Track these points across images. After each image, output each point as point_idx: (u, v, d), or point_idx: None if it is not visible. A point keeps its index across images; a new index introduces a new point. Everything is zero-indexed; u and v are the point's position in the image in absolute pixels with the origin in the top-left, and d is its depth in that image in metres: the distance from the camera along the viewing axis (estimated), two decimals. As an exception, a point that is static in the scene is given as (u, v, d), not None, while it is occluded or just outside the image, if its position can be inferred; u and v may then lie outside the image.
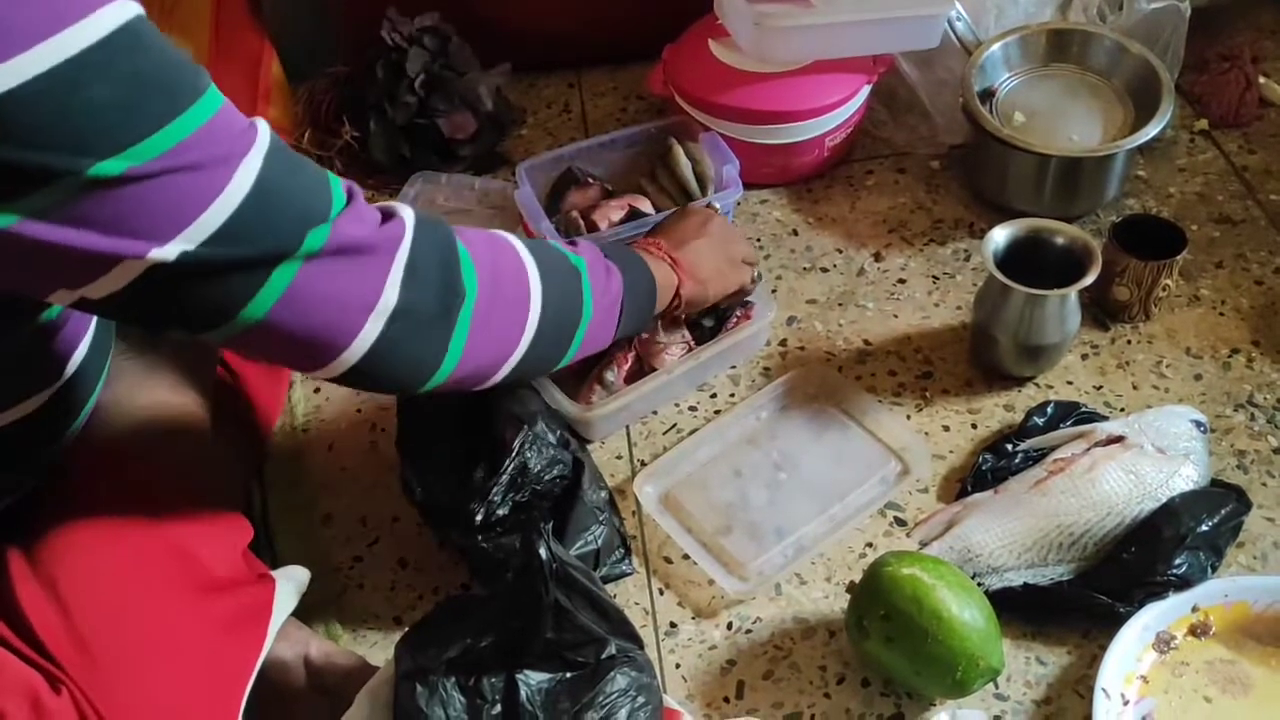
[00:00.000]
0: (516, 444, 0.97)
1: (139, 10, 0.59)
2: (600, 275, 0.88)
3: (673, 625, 1.00)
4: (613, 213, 1.28)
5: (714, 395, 1.19)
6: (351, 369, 0.70)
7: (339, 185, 0.69)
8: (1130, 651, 0.91)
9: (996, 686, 0.93)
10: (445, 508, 0.98)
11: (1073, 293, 1.09)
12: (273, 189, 0.63)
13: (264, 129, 0.65)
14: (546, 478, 0.98)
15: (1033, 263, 1.11)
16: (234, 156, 0.61)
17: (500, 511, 0.96)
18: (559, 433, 1.01)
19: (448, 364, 0.74)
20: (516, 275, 0.79)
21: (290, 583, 0.86)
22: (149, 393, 0.86)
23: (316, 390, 1.22)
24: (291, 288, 0.64)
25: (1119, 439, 1.04)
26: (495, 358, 0.79)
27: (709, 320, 1.18)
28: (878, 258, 1.32)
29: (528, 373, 0.84)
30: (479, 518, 0.95)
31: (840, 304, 1.27)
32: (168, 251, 0.59)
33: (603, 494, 1.03)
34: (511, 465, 0.96)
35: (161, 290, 0.61)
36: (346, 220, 0.67)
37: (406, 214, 0.72)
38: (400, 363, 0.71)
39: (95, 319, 0.79)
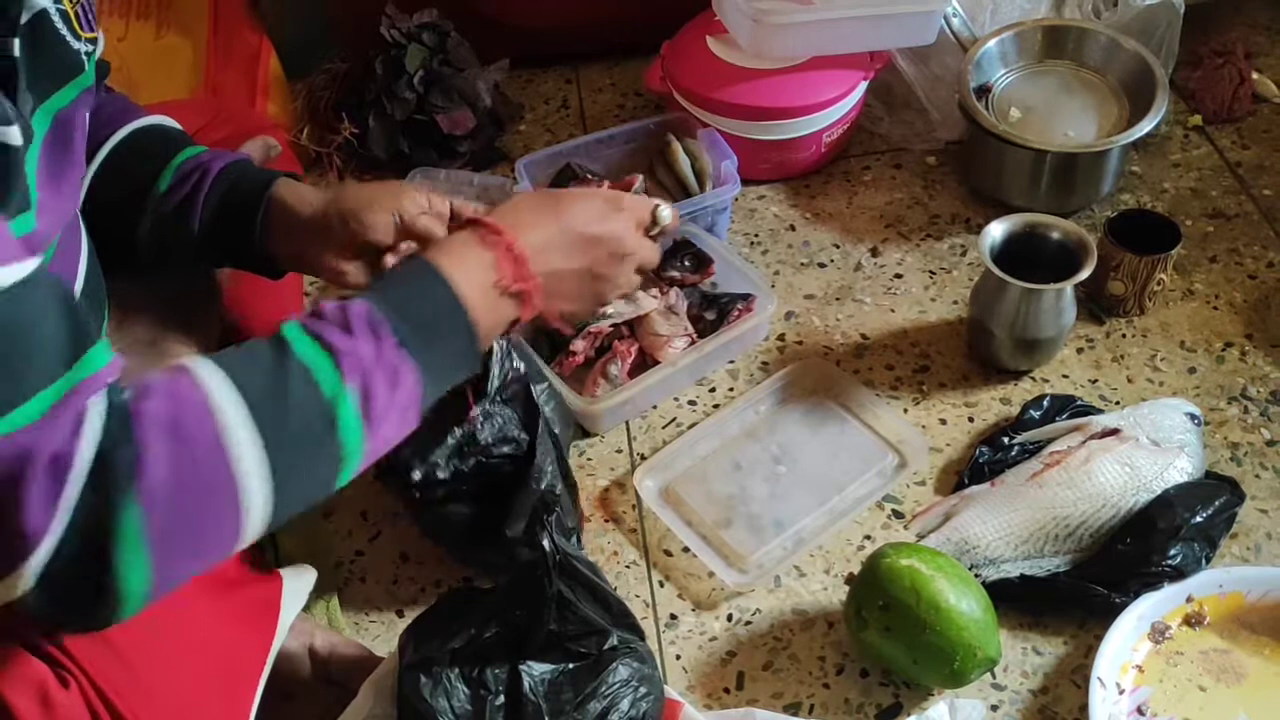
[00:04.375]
0: (473, 413, 0.94)
1: None
2: (380, 394, 0.65)
3: (673, 617, 1.00)
4: (611, 208, 1.28)
5: (713, 389, 1.19)
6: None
7: (55, 393, 0.54)
8: (1126, 641, 0.92)
9: (994, 676, 0.94)
10: (389, 460, 0.89)
11: (1068, 287, 1.10)
12: None
13: (11, 272, 0.53)
14: (495, 453, 0.95)
15: (1028, 257, 1.12)
16: None
17: (440, 475, 0.93)
18: (524, 415, 0.97)
19: (130, 605, 0.58)
20: (215, 477, 0.59)
21: (297, 580, 0.86)
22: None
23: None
24: None
25: (1114, 432, 1.05)
26: (204, 563, 0.62)
27: (711, 314, 1.19)
28: (875, 253, 1.33)
29: (277, 525, 0.64)
30: (416, 475, 0.92)
31: (838, 299, 1.28)
32: None
33: (551, 487, 0.97)
34: (461, 432, 0.94)
35: None
36: (9, 445, 0.52)
37: (79, 458, 0.54)
38: (60, 622, 0.59)
39: (80, 295, 0.76)
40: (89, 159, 0.83)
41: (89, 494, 0.54)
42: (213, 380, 0.60)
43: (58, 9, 0.68)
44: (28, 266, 0.55)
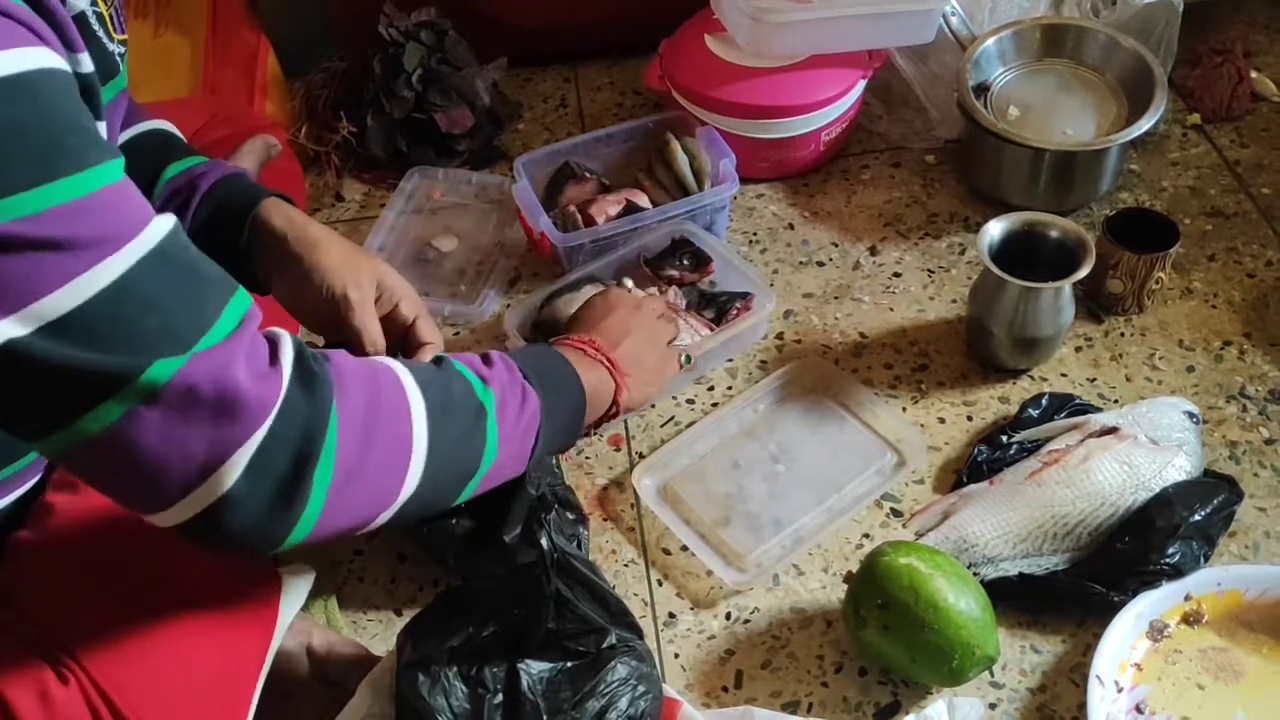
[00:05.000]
0: None
1: (46, 65, 0.54)
2: (512, 407, 0.78)
3: (671, 616, 1.00)
4: (610, 207, 1.28)
5: (711, 388, 1.19)
6: (181, 525, 0.61)
7: (236, 312, 0.61)
8: (1124, 640, 0.92)
9: (992, 675, 0.94)
10: None
11: (1067, 286, 1.10)
12: (136, 294, 0.56)
13: (159, 227, 0.58)
14: None
15: (1027, 256, 1.12)
16: (104, 242, 0.55)
17: None
18: None
19: (296, 534, 0.65)
20: (397, 427, 0.69)
21: (297, 578, 0.86)
22: None
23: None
24: (123, 422, 0.56)
25: (1113, 430, 1.05)
26: (363, 517, 0.69)
27: (709, 312, 1.19)
28: (873, 251, 1.33)
29: (415, 515, 0.74)
30: None
31: (836, 297, 1.28)
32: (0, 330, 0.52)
33: (552, 486, 0.99)
34: None
35: None
36: (214, 357, 0.58)
37: (285, 368, 0.63)
38: (234, 533, 0.62)
39: None
40: None
41: (297, 395, 0.62)
42: (396, 365, 0.72)
43: (94, 11, 0.68)
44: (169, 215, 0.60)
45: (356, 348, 0.85)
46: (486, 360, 0.79)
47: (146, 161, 0.87)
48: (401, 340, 0.90)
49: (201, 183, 0.86)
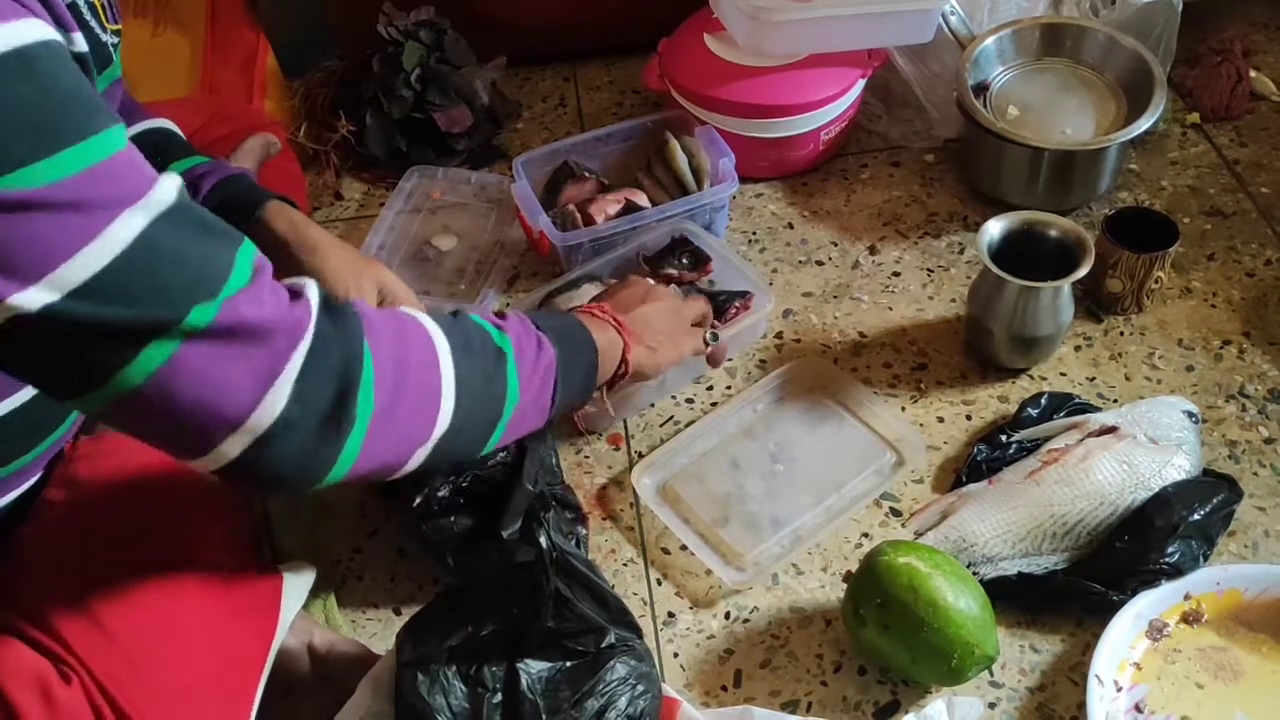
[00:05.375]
0: None
1: (44, 37, 0.55)
2: (529, 354, 0.80)
3: (671, 615, 1.00)
4: (609, 206, 1.28)
5: (710, 388, 1.19)
6: (230, 464, 0.63)
7: (247, 260, 0.63)
8: (1123, 639, 0.92)
9: (991, 674, 0.94)
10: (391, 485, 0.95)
11: (1066, 285, 1.10)
12: (159, 249, 0.57)
13: (168, 186, 0.60)
14: (489, 462, 0.97)
15: (1026, 255, 1.12)
16: (116, 204, 0.56)
17: (440, 493, 0.97)
18: None
19: (340, 467, 0.66)
20: (426, 366, 0.71)
21: (298, 576, 0.86)
22: None
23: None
24: (166, 367, 0.58)
25: (1112, 429, 1.05)
26: (399, 454, 0.71)
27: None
28: (873, 251, 1.33)
29: (446, 459, 0.75)
30: (416, 501, 0.96)
31: (835, 297, 1.28)
32: (29, 299, 0.54)
33: (548, 487, 1.00)
34: None
35: (24, 346, 0.56)
36: (242, 300, 0.61)
37: (312, 300, 0.65)
38: (284, 465, 0.64)
39: None
40: None
41: (327, 325, 0.64)
42: (415, 312, 0.74)
43: (86, 1, 0.68)
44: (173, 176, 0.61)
45: None
46: (500, 315, 0.81)
47: (148, 159, 0.87)
48: None
49: (203, 183, 0.86)
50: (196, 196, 0.86)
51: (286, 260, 0.86)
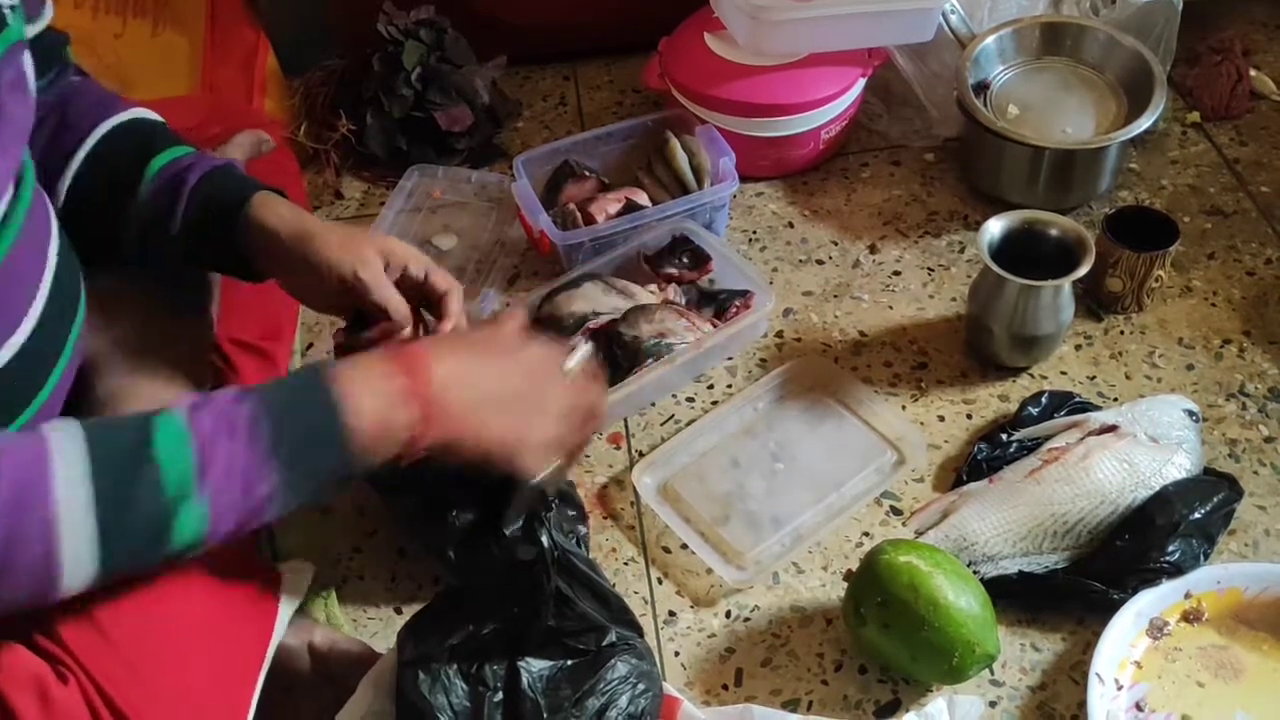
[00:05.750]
0: None
1: None
2: (232, 497, 0.66)
3: (671, 614, 1.00)
4: (610, 205, 1.28)
5: (711, 386, 1.19)
6: None
7: None
8: (1124, 637, 0.92)
9: (992, 673, 0.94)
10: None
11: (1066, 284, 1.10)
12: None
13: None
14: None
15: (1027, 254, 1.12)
16: None
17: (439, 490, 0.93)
18: None
19: None
20: (28, 506, 0.61)
21: (296, 574, 0.86)
22: (143, 385, 0.86)
23: (315, 382, 1.22)
24: None
25: (1112, 428, 1.05)
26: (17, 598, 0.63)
27: (709, 310, 1.19)
28: (873, 250, 1.33)
29: (116, 575, 0.66)
30: (417, 498, 0.94)
31: (836, 296, 1.28)
32: None
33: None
34: None
35: None
36: None
37: None
38: None
39: (49, 289, 0.75)
40: (69, 153, 0.83)
41: None
42: (61, 460, 0.62)
43: None
44: None
45: (384, 322, 0.85)
46: (227, 425, 0.66)
47: (131, 154, 0.85)
48: (420, 298, 0.89)
49: (189, 175, 0.84)
50: (182, 190, 0.84)
51: (283, 254, 0.85)
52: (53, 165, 0.83)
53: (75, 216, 0.82)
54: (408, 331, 0.86)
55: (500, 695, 0.80)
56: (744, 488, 1.08)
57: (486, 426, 0.75)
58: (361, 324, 0.86)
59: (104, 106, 0.87)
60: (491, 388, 0.76)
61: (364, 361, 0.73)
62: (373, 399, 0.70)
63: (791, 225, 1.37)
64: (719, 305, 1.20)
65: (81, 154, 0.84)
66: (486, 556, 0.91)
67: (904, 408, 1.15)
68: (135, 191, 0.84)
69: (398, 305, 0.85)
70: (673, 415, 1.17)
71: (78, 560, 0.62)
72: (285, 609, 0.81)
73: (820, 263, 1.32)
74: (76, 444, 0.63)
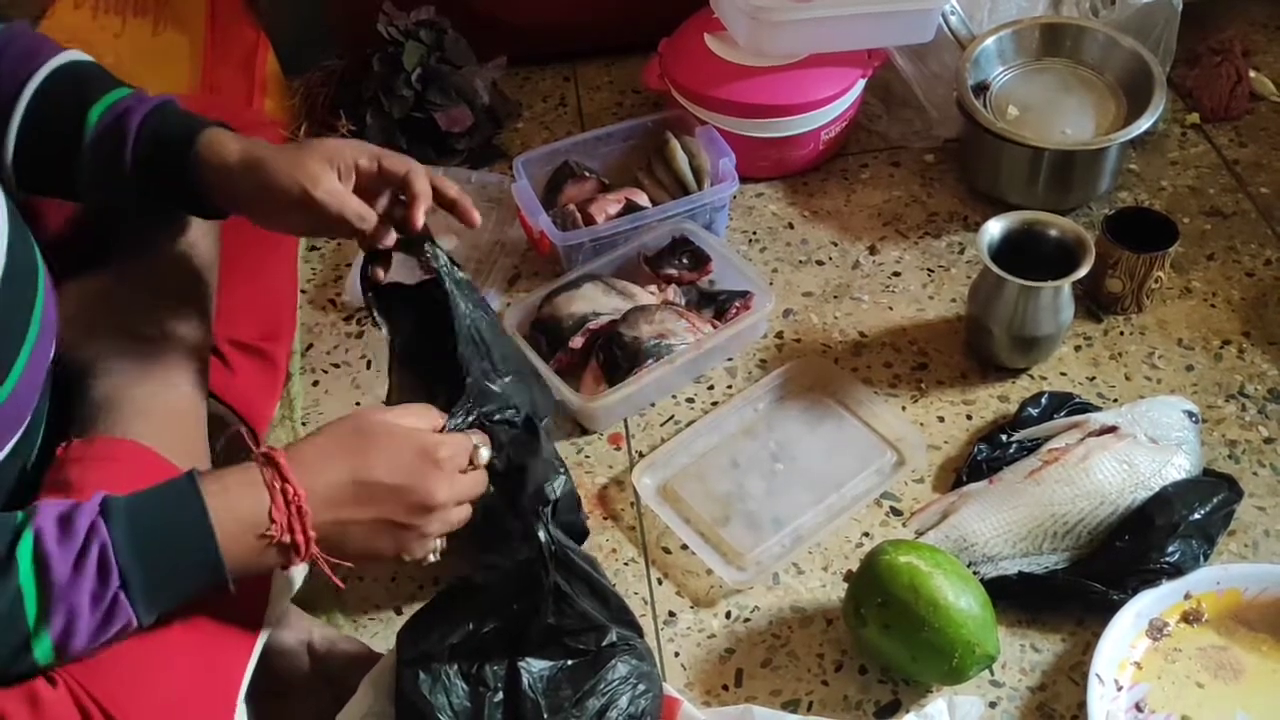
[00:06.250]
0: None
1: None
2: (81, 634, 0.64)
3: (671, 614, 1.00)
4: (609, 206, 1.28)
5: (711, 387, 1.19)
6: None
7: None
8: (1124, 638, 0.92)
9: (992, 673, 0.94)
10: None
11: (1066, 285, 1.10)
12: None
13: None
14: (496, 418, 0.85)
15: (1027, 255, 1.12)
16: None
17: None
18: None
19: None
20: None
21: (285, 574, 0.85)
22: (143, 385, 0.86)
23: (315, 384, 1.23)
24: None
25: (1112, 429, 1.05)
26: None
27: (709, 311, 1.19)
28: (873, 251, 1.33)
29: None
30: None
31: (836, 296, 1.28)
32: None
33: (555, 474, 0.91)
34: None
35: None
36: None
37: None
38: None
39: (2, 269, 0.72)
40: (15, 92, 0.81)
41: None
42: None
43: None
44: None
45: (351, 233, 0.84)
46: (78, 557, 0.63)
47: (72, 99, 0.83)
48: (384, 186, 0.87)
49: (129, 119, 0.82)
50: (126, 139, 0.82)
51: (233, 185, 0.82)
52: None
53: (27, 170, 0.82)
54: (392, 233, 0.85)
55: (500, 695, 0.80)
56: (744, 488, 1.08)
57: (357, 549, 0.74)
58: (375, 255, 0.87)
59: (36, 54, 0.84)
60: (367, 515, 0.73)
61: (238, 478, 0.70)
62: (250, 514, 0.68)
63: (791, 226, 1.37)
64: (719, 306, 1.20)
65: (23, 101, 0.82)
66: (500, 541, 0.88)
67: (904, 408, 1.15)
68: (81, 137, 0.82)
69: (356, 211, 0.83)
70: (673, 416, 1.17)
71: None
72: (273, 606, 0.81)
73: (820, 263, 1.32)
74: None
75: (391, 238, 0.86)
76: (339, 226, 0.83)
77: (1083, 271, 1.09)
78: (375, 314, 0.90)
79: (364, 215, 0.83)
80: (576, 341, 1.15)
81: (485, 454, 0.78)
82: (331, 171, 0.83)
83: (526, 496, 0.83)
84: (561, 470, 0.94)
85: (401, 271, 0.91)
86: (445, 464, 0.75)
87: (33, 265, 0.78)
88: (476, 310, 0.88)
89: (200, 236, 0.92)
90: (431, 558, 0.77)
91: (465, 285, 0.87)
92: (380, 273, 0.88)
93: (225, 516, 0.68)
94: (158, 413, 0.84)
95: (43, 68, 0.84)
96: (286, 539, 0.70)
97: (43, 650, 0.64)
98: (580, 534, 1.00)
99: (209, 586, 0.69)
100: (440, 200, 0.88)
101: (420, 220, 0.85)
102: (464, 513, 0.78)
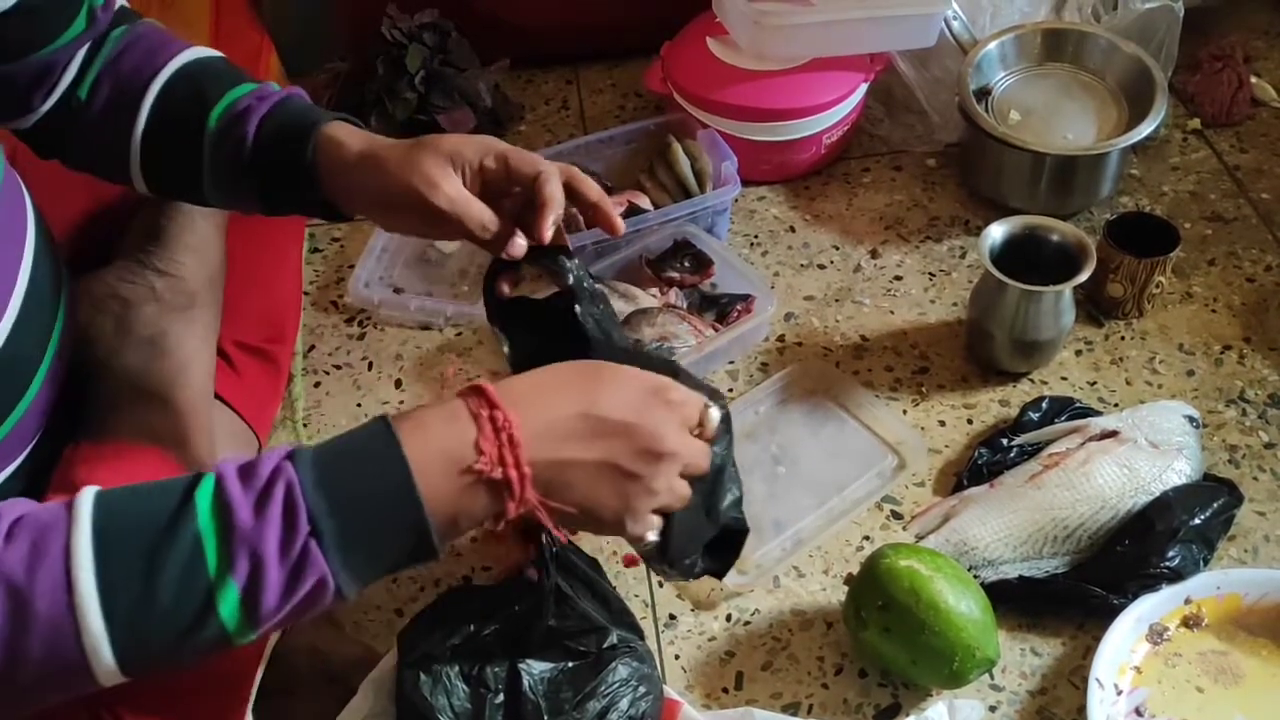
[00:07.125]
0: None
1: None
2: (270, 590, 0.56)
3: (672, 617, 1.01)
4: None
5: (712, 390, 1.19)
6: None
7: None
8: (1124, 643, 0.92)
9: (992, 677, 0.94)
10: None
11: (1067, 289, 1.11)
12: None
13: None
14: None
15: (1028, 259, 1.12)
16: None
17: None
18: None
19: None
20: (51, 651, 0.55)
21: None
22: (151, 386, 0.86)
23: (317, 385, 1.23)
24: None
25: (1113, 434, 1.05)
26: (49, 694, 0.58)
27: (710, 314, 1.19)
28: (874, 254, 1.33)
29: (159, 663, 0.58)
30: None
31: (837, 300, 1.28)
32: None
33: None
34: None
35: None
36: None
37: None
38: None
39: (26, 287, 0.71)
40: (139, 95, 0.80)
41: None
42: (84, 543, 0.55)
43: None
44: None
45: (470, 238, 0.77)
46: (261, 502, 0.56)
47: (187, 105, 0.81)
48: (511, 184, 0.77)
49: (249, 117, 0.79)
50: (245, 136, 0.78)
51: (355, 186, 0.77)
52: (121, 121, 0.81)
53: (154, 173, 0.81)
54: (520, 243, 0.76)
55: (501, 697, 0.80)
56: (745, 491, 1.08)
57: (582, 498, 0.64)
58: (502, 265, 0.78)
59: (164, 48, 0.82)
60: (592, 455, 0.63)
61: (439, 413, 0.61)
62: (454, 449, 0.60)
63: (793, 229, 1.37)
64: (720, 309, 1.20)
65: (151, 97, 0.80)
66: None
67: (905, 412, 1.15)
68: (201, 142, 0.80)
69: (478, 220, 0.75)
70: (674, 418, 1.17)
71: (97, 653, 0.55)
72: None
73: (822, 267, 1.32)
74: (90, 531, 0.56)
75: (521, 247, 0.76)
76: (461, 232, 0.76)
77: (1084, 276, 1.10)
78: (496, 329, 0.83)
79: (486, 224, 0.75)
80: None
81: (715, 415, 0.69)
82: (451, 173, 0.75)
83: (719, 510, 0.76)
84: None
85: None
86: (676, 408, 0.66)
87: (56, 297, 0.78)
88: (614, 329, 0.78)
89: (208, 238, 0.92)
90: (650, 536, 0.67)
91: (600, 300, 0.78)
92: (505, 287, 0.80)
93: (422, 453, 0.58)
94: (166, 414, 0.84)
95: (165, 68, 0.82)
96: (497, 473, 0.59)
97: (229, 606, 0.55)
98: (743, 532, 0.87)
99: (408, 543, 0.59)
100: (579, 204, 0.79)
101: (548, 232, 0.75)
102: (687, 488, 0.68)
